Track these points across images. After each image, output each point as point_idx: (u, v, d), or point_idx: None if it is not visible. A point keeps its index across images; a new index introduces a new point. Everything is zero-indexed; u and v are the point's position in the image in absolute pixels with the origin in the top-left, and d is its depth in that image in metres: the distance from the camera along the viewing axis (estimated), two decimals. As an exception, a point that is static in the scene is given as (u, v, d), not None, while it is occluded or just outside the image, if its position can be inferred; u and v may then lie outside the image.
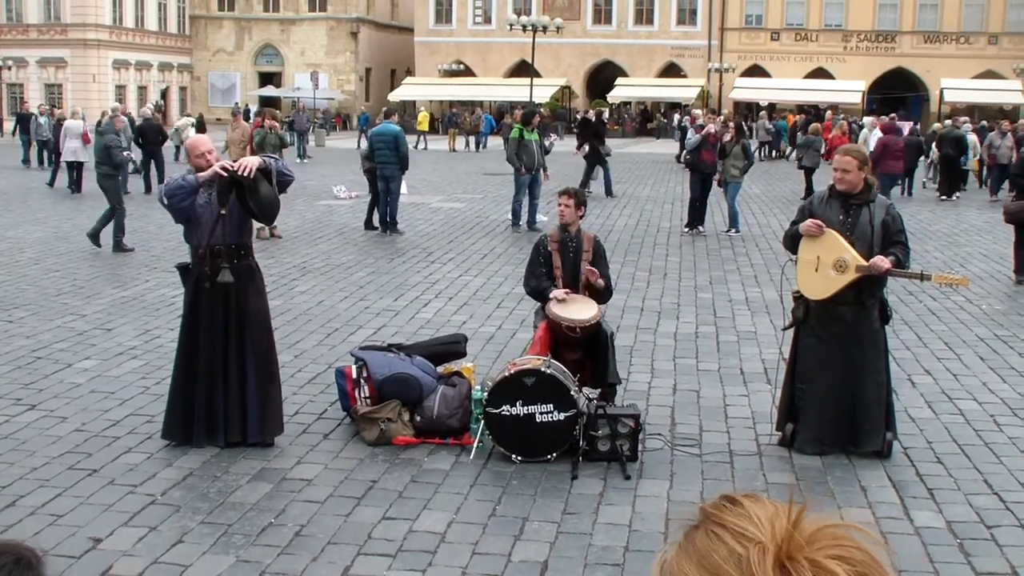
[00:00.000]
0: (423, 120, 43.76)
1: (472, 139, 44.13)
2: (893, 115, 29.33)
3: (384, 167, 17.11)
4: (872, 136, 24.37)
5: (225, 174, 6.48)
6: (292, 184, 7.11)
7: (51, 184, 24.96)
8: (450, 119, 45.60)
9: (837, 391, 6.74)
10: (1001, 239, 15.68)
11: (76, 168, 23.60)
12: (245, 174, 6.41)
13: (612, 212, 20.76)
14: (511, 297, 11.78)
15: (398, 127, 17.57)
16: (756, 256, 15.36)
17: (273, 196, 6.73)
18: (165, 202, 6.66)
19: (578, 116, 35.68)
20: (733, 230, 17.77)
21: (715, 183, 17.96)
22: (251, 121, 25.67)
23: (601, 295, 7.63)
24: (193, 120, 31.99)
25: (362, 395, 7.16)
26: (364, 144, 18.78)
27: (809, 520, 1.05)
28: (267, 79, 62.61)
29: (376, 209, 17.71)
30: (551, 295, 7.42)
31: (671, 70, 58.27)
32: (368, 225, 17.72)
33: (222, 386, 6.73)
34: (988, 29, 55.55)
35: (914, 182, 25.86)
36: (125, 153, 17.09)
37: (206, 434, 6.73)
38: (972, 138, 26.86)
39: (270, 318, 7.12)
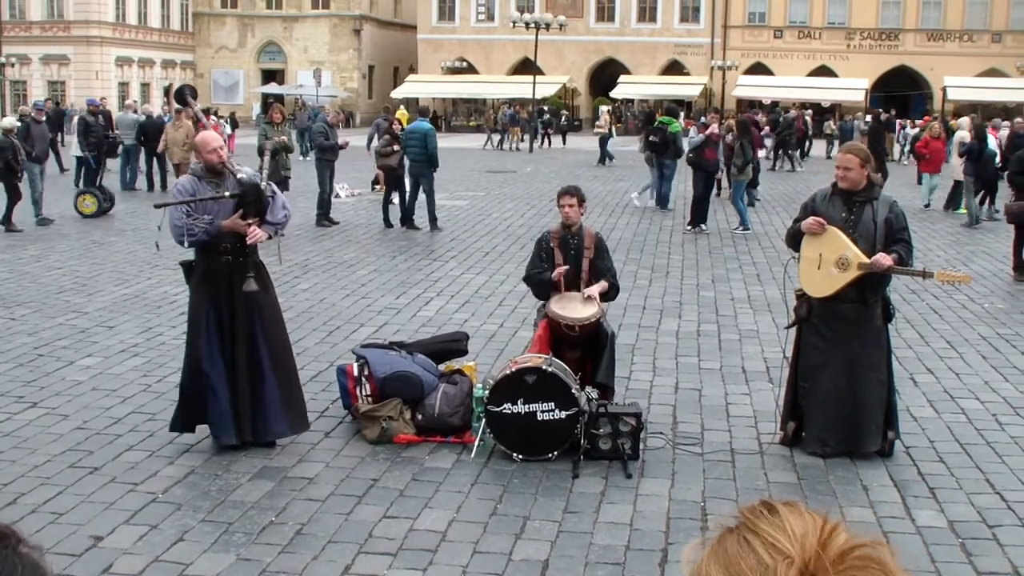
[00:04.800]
0: (399, 117, 43.37)
1: (495, 137, 42.68)
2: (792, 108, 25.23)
3: (413, 164, 17.40)
4: (964, 137, 20.24)
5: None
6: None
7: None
8: (512, 117, 42.64)
9: (840, 390, 6.72)
10: (1004, 237, 15.64)
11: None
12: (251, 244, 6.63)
13: (615, 210, 20.74)
14: (513, 295, 11.77)
15: (429, 125, 17.69)
16: (758, 254, 15.34)
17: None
18: (185, 244, 6.60)
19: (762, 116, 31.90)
20: (742, 228, 17.72)
21: (718, 181, 17.95)
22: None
23: (607, 294, 7.62)
24: (226, 116, 31.93)
25: (363, 393, 7.15)
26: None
27: (843, 539, 1.02)
28: (270, 76, 62.58)
29: (390, 207, 17.78)
30: (553, 276, 7.42)
31: (674, 68, 58.20)
32: (387, 223, 17.73)
33: (232, 383, 6.64)
34: (992, 27, 55.44)
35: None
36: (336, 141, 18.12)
37: (226, 429, 6.66)
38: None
39: (281, 313, 7.09)
